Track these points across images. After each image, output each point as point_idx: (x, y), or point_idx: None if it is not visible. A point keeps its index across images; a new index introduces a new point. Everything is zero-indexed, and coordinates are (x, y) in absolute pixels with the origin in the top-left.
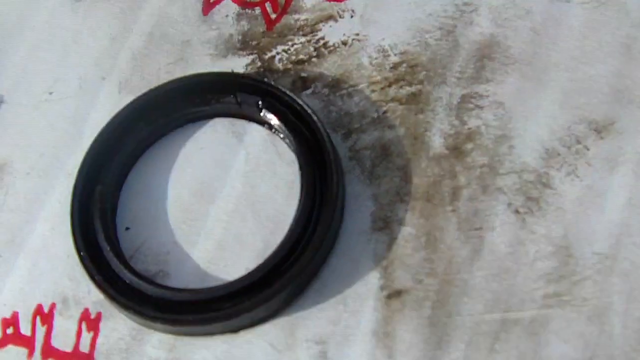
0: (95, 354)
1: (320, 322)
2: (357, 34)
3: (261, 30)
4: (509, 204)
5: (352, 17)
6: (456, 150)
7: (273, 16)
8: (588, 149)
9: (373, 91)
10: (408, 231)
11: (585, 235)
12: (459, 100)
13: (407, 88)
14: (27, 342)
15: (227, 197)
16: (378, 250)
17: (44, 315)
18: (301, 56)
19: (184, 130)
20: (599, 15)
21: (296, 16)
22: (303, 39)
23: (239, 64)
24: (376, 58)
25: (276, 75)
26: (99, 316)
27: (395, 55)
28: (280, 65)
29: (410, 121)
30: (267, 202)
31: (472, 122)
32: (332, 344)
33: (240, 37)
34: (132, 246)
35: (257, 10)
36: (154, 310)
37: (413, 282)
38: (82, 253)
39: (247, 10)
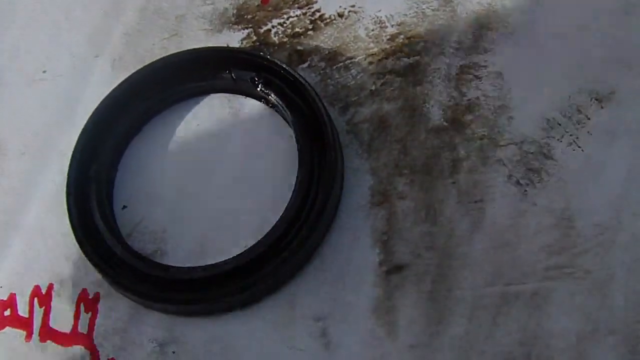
0: (94, 335)
1: (320, 299)
2: (353, 6)
3: (256, 3)
4: (510, 176)
5: None
6: (455, 122)
7: None
8: (589, 119)
9: (370, 63)
10: (407, 205)
11: (586, 207)
12: (457, 71)
13: (405, 60)
14: (25, 324)
15: (224, 173)
16: (377, 225)
17: (42, 297)
18: (297, 29)
19: (180, 107)
20: None
21: None
22: (299, 12)
23: (234, 39)
24: (373, 30)
25: (272, 49)
26: (97, 296)
27: (392, 26)
28: (276, 39)
29: (408, 93)
30: (264, 178)
31: (471, 93)
32: (332, 321)
33: (235, 11)
34: (129, 225)
35: None
36: (152, 289)
37: (413, 257)
38: (78, 233)
39: None
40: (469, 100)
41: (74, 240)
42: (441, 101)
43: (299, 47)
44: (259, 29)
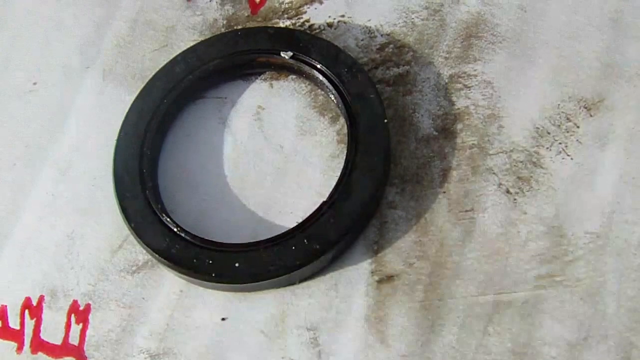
0: (85, 346)
1: (311, 308)
2: (343, 16)
3: (246, 14)
4: (500, 185)
5: None
6: (445, 131)
7: None
8: (578, 127)
9: None
10: (398, 214)
11: (577, 215)
12: (446, 80)
13: (394, 69)
14: (16, 336)
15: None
16: (368, 235)
17: (33, 308)
18: None
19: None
20: None
21: None
22: (288, 22)
23: None
24: (362, 39)
25: None
26: (88, 307)
27: (381, 36)
28: None
29: (398, 103)
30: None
31: (461, 102)
32: (324, 330)
33: (225, 22)
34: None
35: None
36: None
37: (404, 266)
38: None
39: None
40: (458, 109)
41: (66, 251)
42: (431, 110)
43: None
44: None
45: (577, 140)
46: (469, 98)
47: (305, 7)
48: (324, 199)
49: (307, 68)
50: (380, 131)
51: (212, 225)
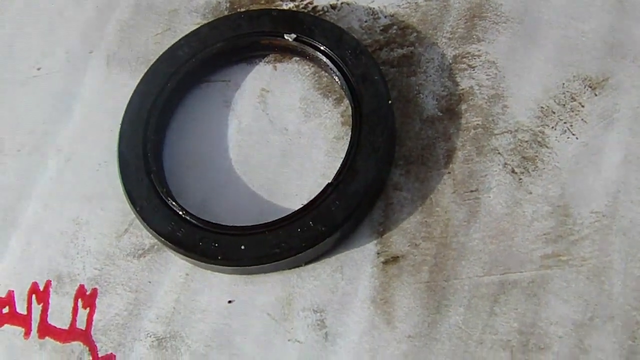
0: (92, 330)
1: (318, 290)
2: None
3: None
4: (505, 165)
5: None
6: (449, 112)
7: None
8: (583, 106)
9: None
10: (403, 196)
11: (582, 194)
12: (450, 61)
13: (399, 50)
14: (24, 321)
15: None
16: (374, 216)
17: (40, 293)
18: None
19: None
20: None
21: None
22: (291, 4)
23: None
24: (366, 21)
25: None
26: (94, 292)
27: (385, 17)
28: None
29: (402, 84)
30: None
31: (465, 83)
32: (330, 312)
33: (228, 5)
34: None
35: None
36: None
37: (410, 247)
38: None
39: None
40: (463, 89)
41: (72, 237)
42: (435, 91)
43: None
44: None
45: (582, 119)
46: (473, 78)
47: None
48: (329, 181)
49: (310, 50)
50: (385, 112)
51: (217, 208)
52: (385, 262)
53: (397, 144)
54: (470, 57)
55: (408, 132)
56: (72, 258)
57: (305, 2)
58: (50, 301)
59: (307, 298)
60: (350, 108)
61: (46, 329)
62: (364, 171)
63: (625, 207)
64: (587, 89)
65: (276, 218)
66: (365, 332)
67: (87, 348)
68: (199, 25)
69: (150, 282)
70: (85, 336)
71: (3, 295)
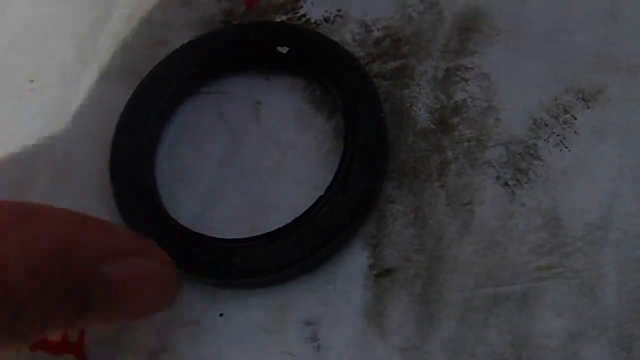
0: (85, 343)
1: (310, 303)
2: (339, 10)
3: (242, 9)
4: (498, 177)
5: None
6: (443, 124)
7: None
8: (576, 119)
9: None
10: (396, 208)
11: (575, 206)
12: (444, 73)
13: (392, 63)
14: None
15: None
16: (366, 229)
17: None
18: None
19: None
20: None
21: None
22: (284, 17)
23: None
24: (359, 34)
25: None
26: None
27: (378, 30)
28: None
29: (395, 96)
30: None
31: (458, 95)
32: (323, 325)
33: (221, 17)
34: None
35: None
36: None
37: (402, 260)
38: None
39: None
40: (456, 102)
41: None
42: (428, 104)
43: None
44: None
45: (575, 132)
46: (467, 91)
47: (302, 1)
48: (322, 194)
49: (303, 63)
50: (378, 125)
51: (209, 221)
52: (378, 275)
53: (390, 156)
54: (463, 70)
55: (401, 144)
56: None
57: (298, 15)
58: None
59: (300, 311)
60: (343, 121)
61: (38, 342)
62: (357, 184)
63: (618, 219)
64: (580, 102)
65: (268, 230)
66: (358, 345)
67: None
68: (192, 38)
69: None
70: (77, 349)
71: None
